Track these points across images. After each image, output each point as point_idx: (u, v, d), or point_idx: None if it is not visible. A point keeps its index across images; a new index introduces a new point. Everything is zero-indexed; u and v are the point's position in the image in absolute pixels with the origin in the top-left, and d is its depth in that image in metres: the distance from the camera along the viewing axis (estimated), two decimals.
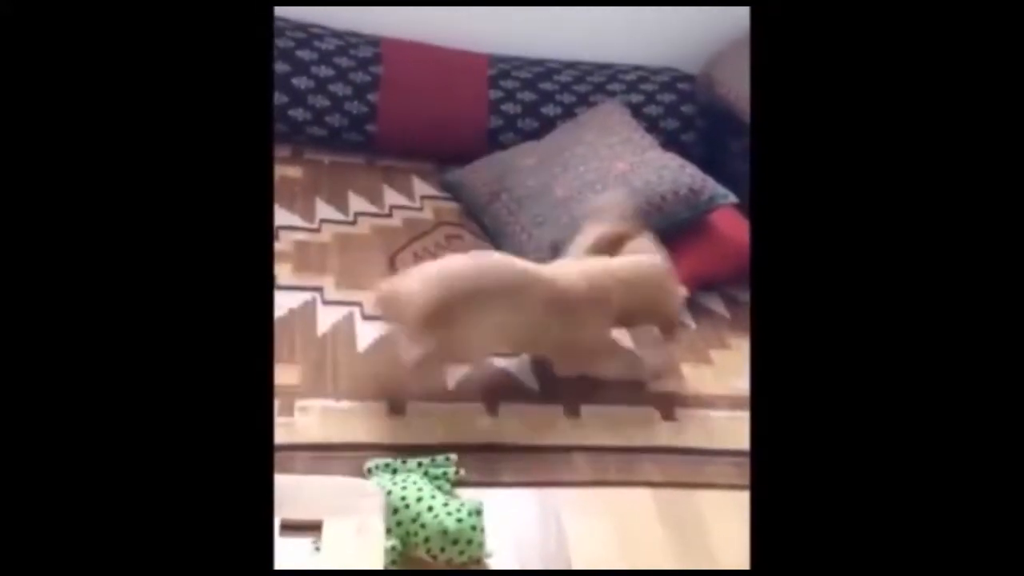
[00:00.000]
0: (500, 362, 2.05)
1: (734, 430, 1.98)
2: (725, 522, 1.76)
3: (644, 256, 2.09)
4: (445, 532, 1.56)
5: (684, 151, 2.71)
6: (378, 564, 1.29)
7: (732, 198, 2.42)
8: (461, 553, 1.58)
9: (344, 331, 2.09)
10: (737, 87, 2.70)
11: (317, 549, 1.30)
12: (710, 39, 2.92)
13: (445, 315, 1.82)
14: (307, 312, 2.13)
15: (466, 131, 2.78)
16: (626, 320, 2.08)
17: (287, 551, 1.29)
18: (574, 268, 2.03)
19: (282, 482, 1.48)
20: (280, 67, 2.66)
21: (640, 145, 2.56)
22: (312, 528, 1.31)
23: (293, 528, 1.31)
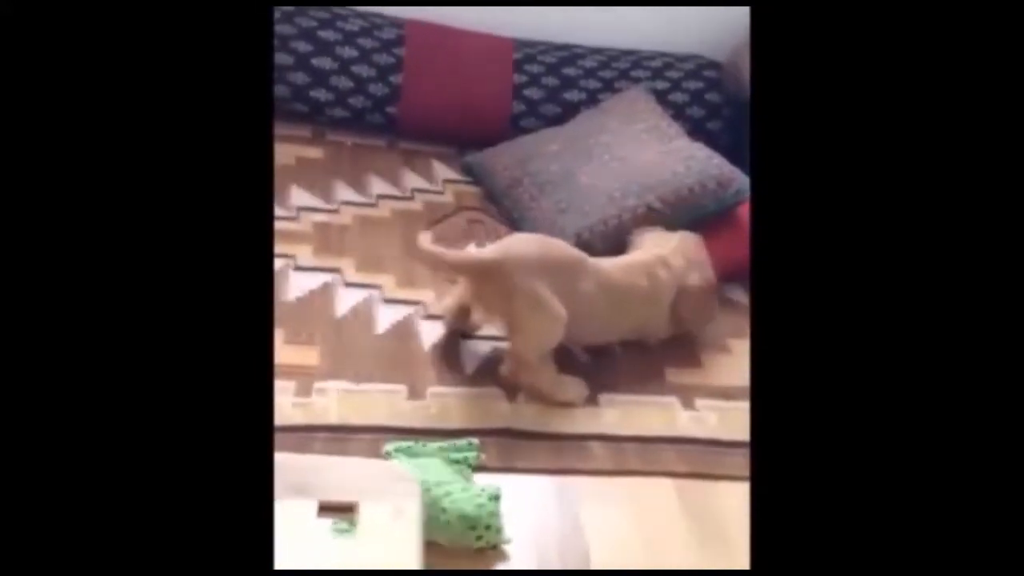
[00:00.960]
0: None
1: None
2: (746, 513, 1.73)
3: (666, 240, 2.18)
4: (464, 517, 1.55)
5: (710, 140, 2.68)
6: (415, 550, 1.26)
7: None
8: (479, 538, 1.56)
9: (363, 313, 2.08)
10: None
11: (341, 530, 1.28)
12: (737, 26, 2.87)
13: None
14: (326, 293, 2.11)
15: (489, 115, 2.75)
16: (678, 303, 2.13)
17: (319, 533, 1.27)
18: (624, 264, 2.10)
19: (315, 463, 1.47)
20: (303, 47, 2.64)
21: (667, 134, 2.53)
22: (347, 510, 1.29)
23: (329, 510, 1.29)
